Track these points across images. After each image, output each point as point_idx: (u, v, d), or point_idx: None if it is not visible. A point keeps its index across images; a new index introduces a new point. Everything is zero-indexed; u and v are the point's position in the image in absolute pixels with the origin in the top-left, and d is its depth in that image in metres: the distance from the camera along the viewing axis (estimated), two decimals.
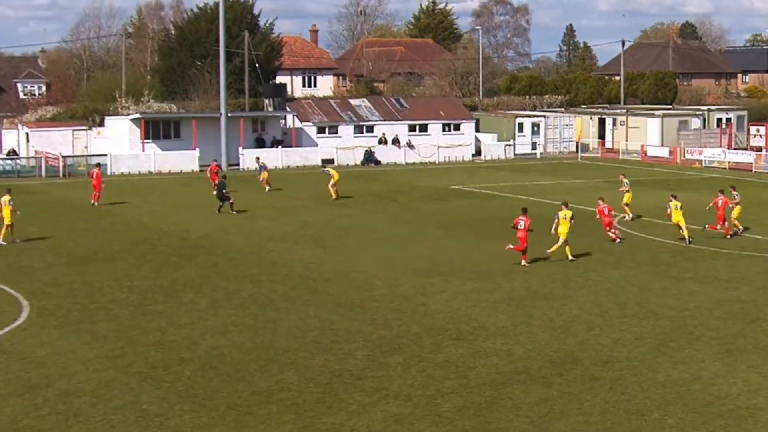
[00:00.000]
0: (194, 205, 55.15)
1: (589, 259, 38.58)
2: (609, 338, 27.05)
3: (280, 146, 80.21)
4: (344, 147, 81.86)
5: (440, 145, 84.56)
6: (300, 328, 28.17)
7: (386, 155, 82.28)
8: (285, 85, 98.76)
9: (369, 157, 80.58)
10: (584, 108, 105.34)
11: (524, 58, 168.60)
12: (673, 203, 41.75)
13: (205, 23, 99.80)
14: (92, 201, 54.73)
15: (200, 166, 74.93)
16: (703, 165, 78.43)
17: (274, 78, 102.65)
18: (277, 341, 26.83)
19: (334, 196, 56.51)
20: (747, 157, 77.67)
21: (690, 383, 23.14)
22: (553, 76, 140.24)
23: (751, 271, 36.22)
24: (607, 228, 42.50)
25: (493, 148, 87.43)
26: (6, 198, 42.51)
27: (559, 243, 38.16)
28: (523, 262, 37.13)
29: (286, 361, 25.01)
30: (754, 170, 74.11)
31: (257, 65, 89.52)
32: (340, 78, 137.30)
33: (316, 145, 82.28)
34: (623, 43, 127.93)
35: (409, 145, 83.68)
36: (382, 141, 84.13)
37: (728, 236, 43.05)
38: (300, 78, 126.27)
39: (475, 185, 64.09)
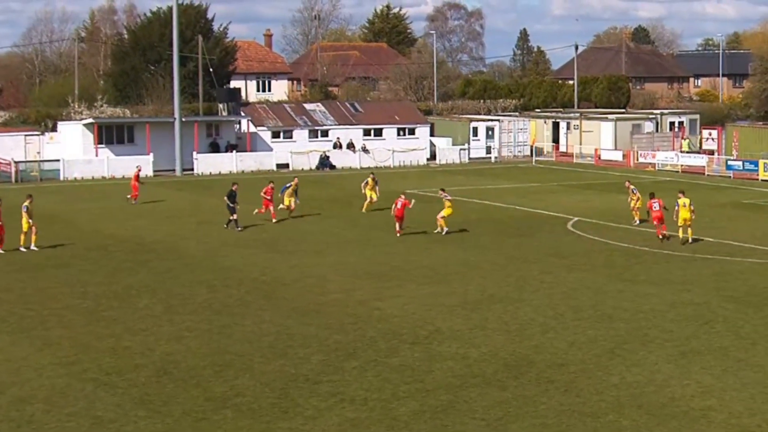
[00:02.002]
0: (148, 210, 54.90)
1: (543, 262, 38.75)
2: (564, 341, 27.16)
3: (234, 151, 79.96)
4: (299, 151, 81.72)
5: (395, 149, 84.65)
6: (255, 333, 28.10)
7: (341, 160, 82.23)
8: (239, 89, 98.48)
9: (324, 162, 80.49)
10: (538, 112, 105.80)
11: (478, 63, 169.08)
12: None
13: (159, 27, 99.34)
14: (131, 199, 57.58)
15: (154, 171, 74.64)
16: (656, 168, 78.95)
17: (228, 82, 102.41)
18: (233, 346, 26.74)
19: (364, 209, 53.21)
20: (699, 161, 78.30)
21: (644, 385, 23.28)
22: (507, 80, 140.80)
23: (703, 274, 36.51)
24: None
25: (448, 152, 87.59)
26: (25, 203, 42.00)
27: (681, 228, 42.89)
28: (663, 234, 43.48)
29: (241, 366, 24.93)
30: (706, 173, 74.70)
31: (211, 69, 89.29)
32: (295, 82, 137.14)
33: (271, 149, 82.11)
34: (576, 47, 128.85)
35: (364, 150, 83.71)
36: (337, 145, 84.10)
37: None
38: (254, 82, 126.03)
39: (430, 189, 64.06)
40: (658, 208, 43.64)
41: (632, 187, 49.44)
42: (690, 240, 42.80)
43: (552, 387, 23.20)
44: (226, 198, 47.81)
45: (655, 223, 44.03)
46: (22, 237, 41.73)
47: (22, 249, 41.37)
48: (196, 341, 27.31)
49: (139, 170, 61.19)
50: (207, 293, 33.39)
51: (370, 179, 54.69)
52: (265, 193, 49.36)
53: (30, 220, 41.64)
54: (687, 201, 42.79)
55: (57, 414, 21.49)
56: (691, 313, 30.35)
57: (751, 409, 21.65)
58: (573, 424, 20.87)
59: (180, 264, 38.72)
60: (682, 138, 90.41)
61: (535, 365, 24.91)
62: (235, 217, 47.20)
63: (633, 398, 22.38)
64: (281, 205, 50.02)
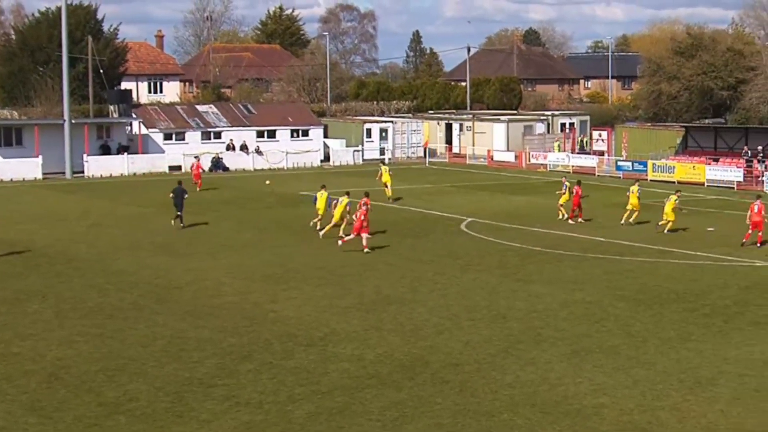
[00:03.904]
0: (38, 213, 54.00)
1: (437, 262, 38.93)
2: (458, 341, 27.31)
3: (125, 153, 79.05)
4: (191, 154, 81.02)
5: (289, 151, 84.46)
6: (148, 337, 27.78)
7: (234, 162, 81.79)
8: (130, 91, 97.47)
9: (217, 164, 80.00)
10: (431, 113, 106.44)
11: (371, 64, 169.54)
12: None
13: (47, 28, 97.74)
14: (196, 185, 64.09)
15: (44, 174, 73.53)
16: (548, 169, 79.87)
17: (119, 84, 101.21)
18: (125, 351, 26.41)
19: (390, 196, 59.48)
20: (590, 161, 79.42)
21: (538, 384, 23.50)
22: (401, 82, 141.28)
23: (594, 273, 37.01)
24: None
25: (342, 153, 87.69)
26: None
27: (628, 213, 49.50)
28: (579, 220, 49.75)
29: (134, 370, 24.63)
30: (596, 174, 75.77)
31: (101, 71, 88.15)
32: (187, 84, 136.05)
33: (163, 151, 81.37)
34: (468, 49, 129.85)
35: (258, 152, 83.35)
36: (230, 147, 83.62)
37: None
38: (146, 84, 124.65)
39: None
40: (576, 194, 49.60)
41: (566, 183, 51.18)
42: (630, 222, 48.69)
43: (447, 387, 23.31)
44: (172, 195, 48.47)
45: (572, 206, 50.14)
46: None
47: None
48: (88, 346, 26.91)
49: (199, 160, 69.25)
50: (99, 297, 32.93)
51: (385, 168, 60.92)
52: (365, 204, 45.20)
53: None
54: (636, 189, 49.60)
55: None
56: (583, 312, 30.74)
57: (642, 406, 21.99)
58: (468, 423, 20.98)
59: (71, 268, 38.13)
60: (555, 140, 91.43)
61: (430, 365, 25.01)
62: (180, 213, 47.76)
63: (527, 397, 22.58)
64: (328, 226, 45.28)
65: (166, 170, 78.15)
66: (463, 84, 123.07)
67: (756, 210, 42.77)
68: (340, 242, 41.75)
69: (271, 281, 35.44)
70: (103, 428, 20.73)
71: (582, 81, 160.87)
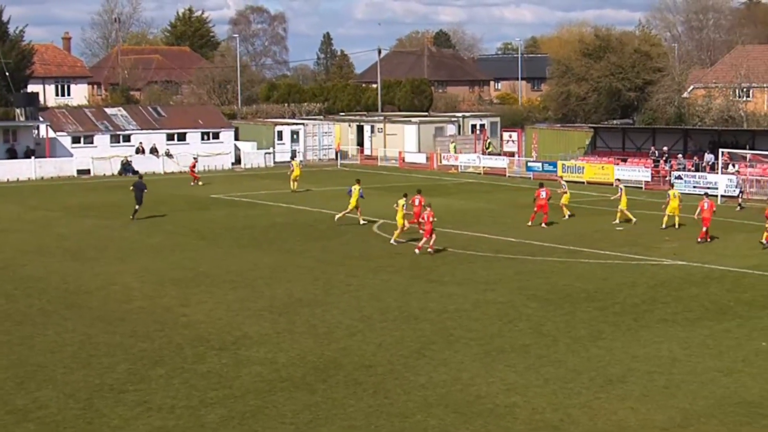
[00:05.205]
0: None
1: (350, 264, 38.92)
2: (371, 343, 27.32)
3: (33, 157, 77.93)
4: (100, 157, 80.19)
5: (199, 153, 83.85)
6: (58, 343, 27.42)
7: (144, 165, 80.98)
8: (37, 94, 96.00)
9: (126, 167, 79.16)
10: (343, 115, 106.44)
11: (282, 66, 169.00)
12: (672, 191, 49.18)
13: None
14: (192, 183, 70.13)
15: None
16: (459, 170, 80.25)
17: (26, 87, 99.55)
18: (34, 357, 26.03)
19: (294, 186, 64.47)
20: (501, 162, 79.96)
21: (451, 384, 23.59)
22: (312, 84, 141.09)
23: (506, 273, 37.24)
24: None
25: (253, 156, 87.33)
26: None
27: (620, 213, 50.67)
28: (543, 224, 48.28)
29: (43, 377, 24.28)
30: (507, 175, 76.32)
31: (7, 74, 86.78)
32: (95, 86, 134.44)
33: (71, 155, 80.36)
34: (379, 51, 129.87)
35: (168, 155, 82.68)
36: (140, 150, 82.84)
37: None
38: (53, 86, 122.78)
39: (236, 194, 63.83)
40: (544, 196, 48.72)
41: (563, 181, 52.49)
42: (617, 222, 49.99)
43: (360, 389, 23.31)
44: (132, 188, 51.54)
45: (535, 209, 48.83)
46: None
47: None
48: None
49: (196, 159, 75.17)
50: (6, 303, 32.42)
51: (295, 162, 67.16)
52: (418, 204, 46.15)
53: None
54: (623, 187, 50.86)
55: None
56: (494, 312, 30.92)
57: (554, 405, 22.18)
58: (381, 425, 21.00)
59: None
60: (451, 142, 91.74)
61: (343, 368, 24.99)
62: (138, 207, 50.85)
63: (440, 397, 22.66)
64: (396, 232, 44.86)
65: (75, 174, 77.23)
66: (374, 86, 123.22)
67: (706, 207, 44.13)
68: (430, 250, 41.43)
69: (182, 285, 35.17)
70: None
71: (492, 82, 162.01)
